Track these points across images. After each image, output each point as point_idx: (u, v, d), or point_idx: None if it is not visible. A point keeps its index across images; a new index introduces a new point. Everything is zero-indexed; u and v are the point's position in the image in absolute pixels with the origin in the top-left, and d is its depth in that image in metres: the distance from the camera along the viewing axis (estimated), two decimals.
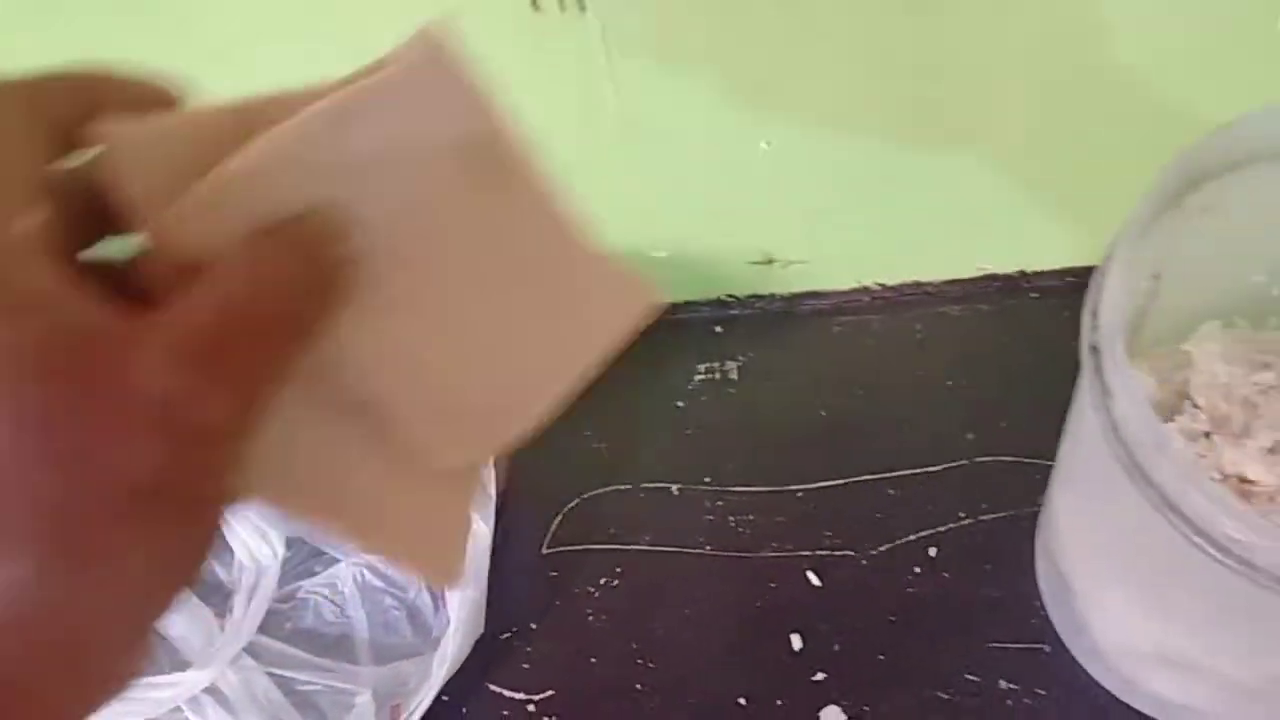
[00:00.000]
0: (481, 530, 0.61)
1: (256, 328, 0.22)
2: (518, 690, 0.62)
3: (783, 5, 0.51)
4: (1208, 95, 0.53)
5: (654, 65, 0.54)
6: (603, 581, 0.65)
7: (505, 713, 0.61)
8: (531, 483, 0.69)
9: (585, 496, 0.68)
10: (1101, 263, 0.43)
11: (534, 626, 0.64)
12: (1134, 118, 0.57)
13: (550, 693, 0.62)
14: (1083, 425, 0.48)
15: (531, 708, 0.61)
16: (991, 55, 0.55)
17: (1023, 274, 0.70)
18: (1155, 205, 0.43)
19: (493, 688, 0.62)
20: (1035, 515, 0.62)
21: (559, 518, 0.67)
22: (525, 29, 0.52)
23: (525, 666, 0.62)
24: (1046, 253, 0.69)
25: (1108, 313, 0.42)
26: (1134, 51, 0.54)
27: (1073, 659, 0.58)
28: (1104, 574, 0.51)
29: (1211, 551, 0.38)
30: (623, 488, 0.68)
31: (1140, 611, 0.49)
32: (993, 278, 0.70)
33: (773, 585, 0.64)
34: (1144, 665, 0.52)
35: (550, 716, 0.61)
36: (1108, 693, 0.57)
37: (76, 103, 0.23)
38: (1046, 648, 0.59)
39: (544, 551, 0.66)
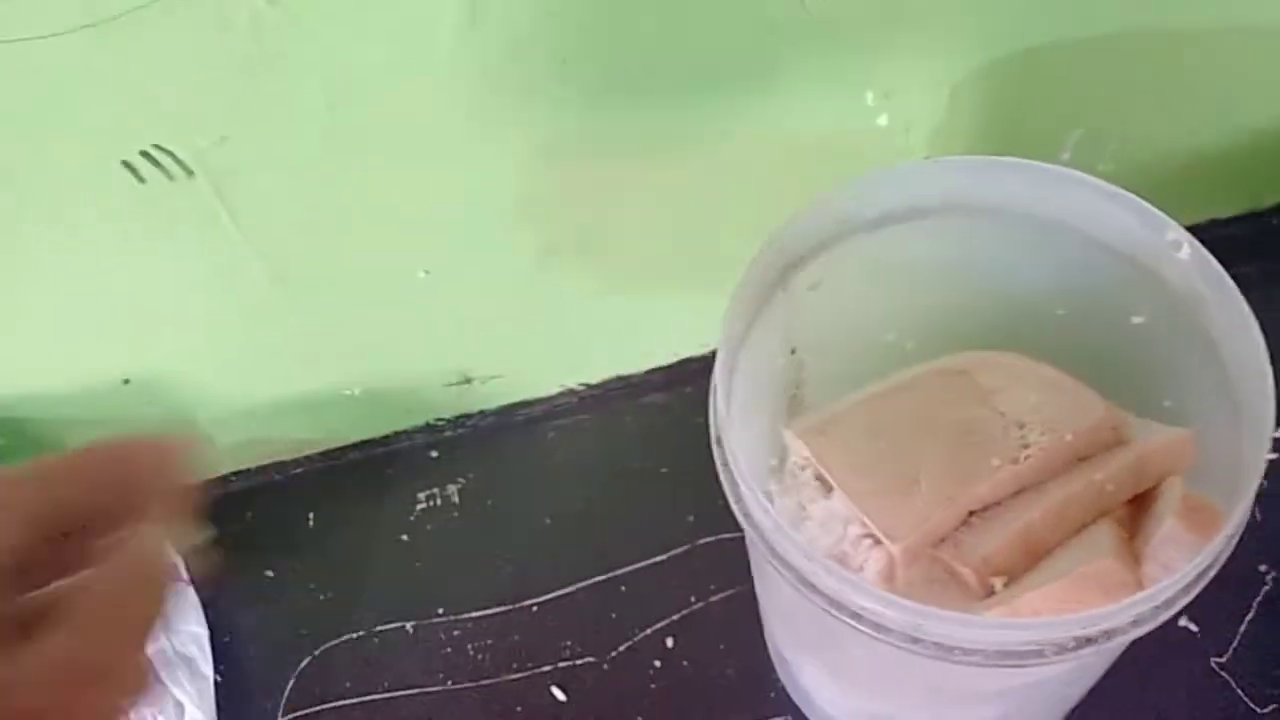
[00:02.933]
0: (198, 717, 0.58)
1: None
2: None
3: (403, 152, 0.52)
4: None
5: (285, 217, 0.54)
6: None
7: None
8: (257, 648, 0.66)
9: (317, 653, 0.65)
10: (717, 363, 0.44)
11: None
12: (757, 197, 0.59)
13: None
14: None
15: None
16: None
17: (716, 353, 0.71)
18: (755, 290, 0.45)
19: None
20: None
21: (292, 681, 0.65)
22: (139, 203, 0.51)
23: None
24: None
25: (725, 403, 0.43)
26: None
27: None
28: (795, 646, 0.52)
29: (850, 622, 0.39)
30: (355, 635, 0.66)
31: (831, 679, 0.50)
32: (689, 361, 0.71)
33: (519, 709, 0.62)
34: None
35: None
36: None
37: None
38: (787, 719, 0.60)
39: None
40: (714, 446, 0.44)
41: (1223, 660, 0.59)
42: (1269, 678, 0.58)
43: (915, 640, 0.39)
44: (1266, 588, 0.60)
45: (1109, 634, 0.38)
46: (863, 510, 0.46)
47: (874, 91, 0.56)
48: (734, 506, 0.43)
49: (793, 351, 0.52)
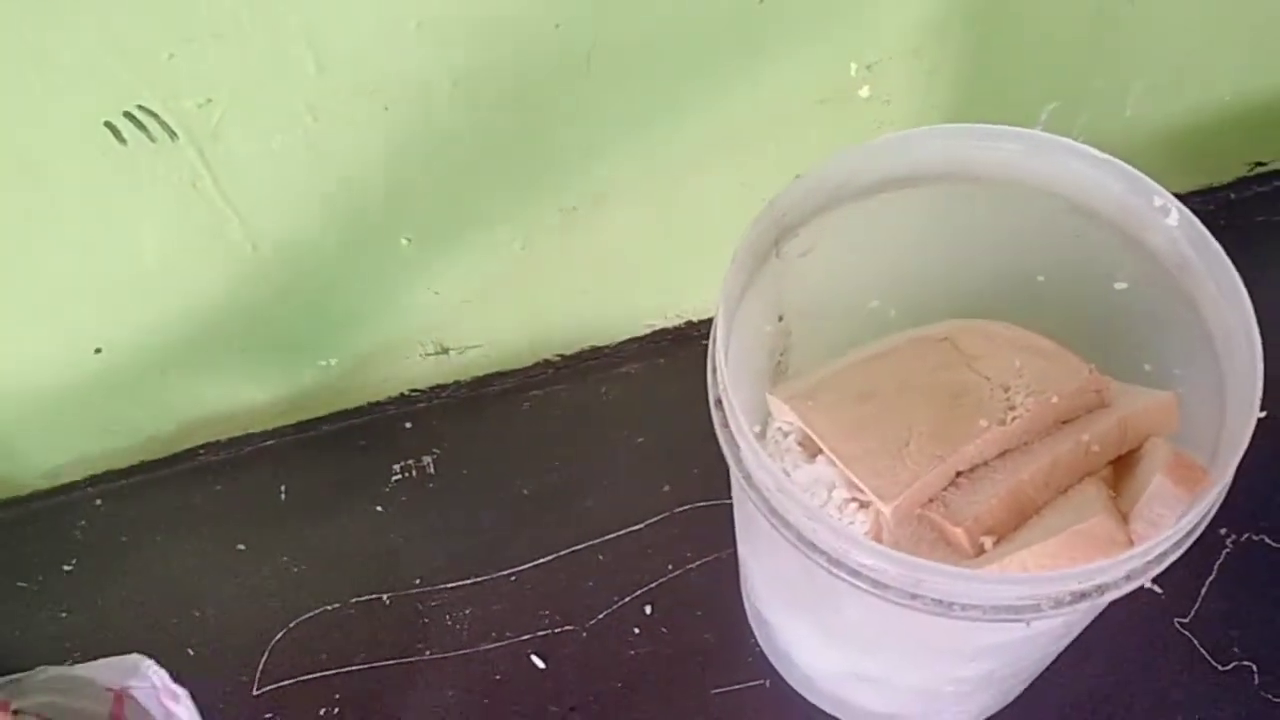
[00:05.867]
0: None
1: None
2: None
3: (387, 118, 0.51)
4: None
5: (268, 181, 0.53)
6: (323, 712, 0.62)
7: None
8: (231, 621, 0.65)
9: (292, 625, 0.65)
10: (713, 328, 0.44)
11: None
12: (740, 168, 0.60)
13: None
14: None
15: None
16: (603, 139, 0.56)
17: (689, 324, 0.72)
18: (751, 257, 0.45)
19: None
20: (735, 556, 0.64)
21: (266, 653, 0.64)
22: (122, 167, 0.50)
23: None
24: (705, 301, 0.72)
25: (725, 366, 0.43)
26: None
27: (790, 688, 0.60)
28: (783, 608, 0.53)
29: (849, 579, 0.40)
30: (331, 607, 0.65)
31: (819, 639, 0.51)
32: (662, 332, 0.72)
33: (498, 677, 0.63)
34: (846, 685, 0.54)
35: None
36: (826, 715, 0.59)
37: None
38: (766, 683, 0.61)
39: (255, 693, 0.63)
40: (713, 408, 0.44)
41: (1185, 621, 0.61)
42: (1229, 637, 0.60)
43: (914, 596, 0.39)
44: (1227, 550, 0.62)
45: (1102, 588, 0.39)
46: (852, 472, 0.47)
47: (856, 63, 0.56)
48: (734, 468, 0.43)
49: (780, 318, 0.52)
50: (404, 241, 0.59)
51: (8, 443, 0.65)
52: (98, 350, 0.60)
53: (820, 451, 0.50)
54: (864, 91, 0.58)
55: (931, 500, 0.47)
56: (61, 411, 0.63)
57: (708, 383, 0.45)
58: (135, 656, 0.57)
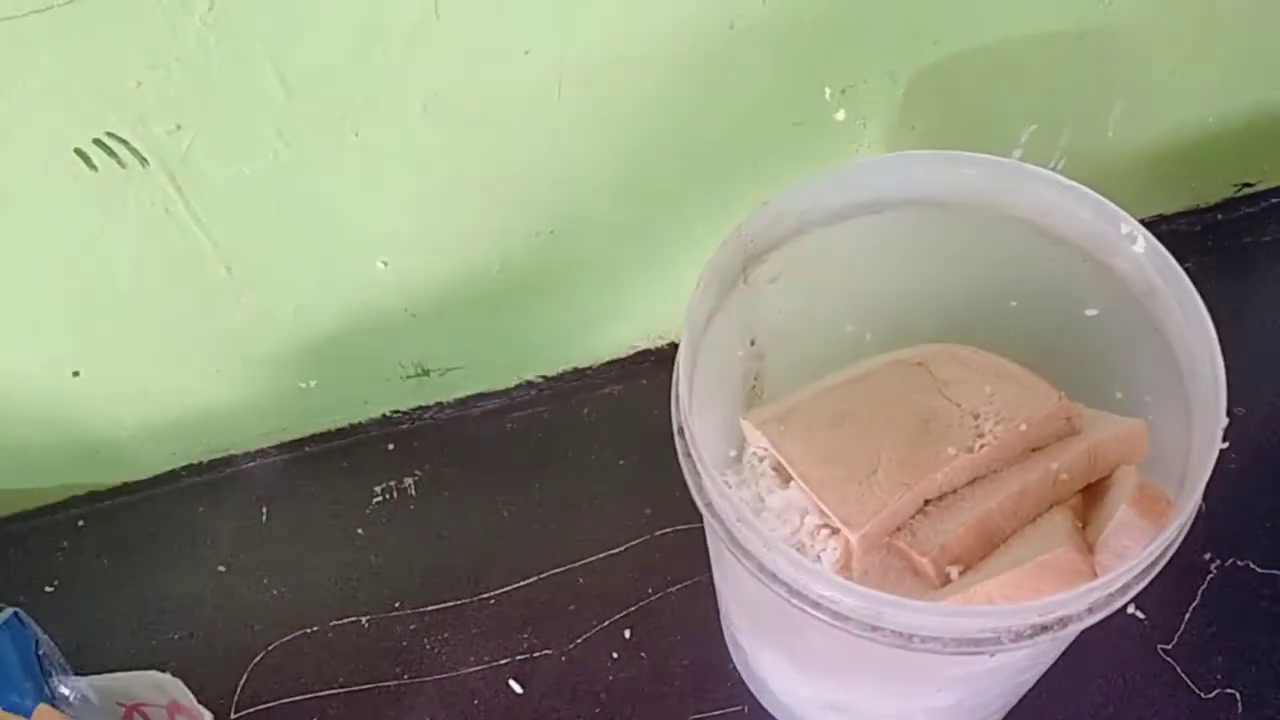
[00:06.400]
0: None
1: None
2: None
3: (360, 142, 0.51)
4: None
5: (241, 205, 0.53)
6: None
7: None
8: (209, 645, 0.65)
9: (271, 648, 0.65)
10: (678, 356, 0.44)
11: None
12: (717, 190, 0.60)
13: None
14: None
15: None
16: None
17: (672, 345, 0.72)
18: (718, 283, 0.45)
19: None
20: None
21: (244, 677, 0.64)
22: (93, 194, 0.50)
23: None
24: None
25: (687, 395, 0.43)
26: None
27: (767, 714, 0.59)
28: (755, 635, 0.52)
29: (810, 611, 0.40)
30: (310, 630, 0.65)
31: (789, 667, 0.50)
32: (645, 353, 0.72)
33: (476, 703, 0.62)
34: (818, 712, 0.54)
35: None
36: None
37: None
38: (744, 708, 0.60)
39: (233, 717, 0.63)
40: (676, 437, 0.44)
41: (1169, 647, 0.60)
42: (1212, 664, 0.60)
43: (874, 629, 0.39)
44: (1211, 576, 0.62)
45: (1064, 621, 0.38)
46: (820, 499, 0.47)
47: (831, 87, 0.56)
48: (695, 496, 0.43)
49: (752, 343, 0.52)
50: (380, 265, 0.59)
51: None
52: (75, 373, 0.60)
53: (788, 481, 0.50)
54: (840, 115, 0.58)
55: (899, 529, 0.46)
56: (42, 433, 0.63)
57: (671, 412, 0.45)
58: (156, 674, 0.57)
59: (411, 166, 0.54)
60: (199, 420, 0.67)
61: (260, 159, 0.51)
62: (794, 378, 0.54)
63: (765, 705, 0.59)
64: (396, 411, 0.71)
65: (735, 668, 0.61)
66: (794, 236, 0.48)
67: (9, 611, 0.54)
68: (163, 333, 0.59)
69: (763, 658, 0.53)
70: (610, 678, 0.62)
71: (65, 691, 0.54)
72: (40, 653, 0.54)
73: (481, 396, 0.71)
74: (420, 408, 0.71)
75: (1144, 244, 0.43)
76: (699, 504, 0.43)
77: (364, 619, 0.65)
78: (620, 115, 0.54)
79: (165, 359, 0.61)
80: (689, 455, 0.43)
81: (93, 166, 0.49)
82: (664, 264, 0.65)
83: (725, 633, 0.61)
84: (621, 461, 0.69)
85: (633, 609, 0.64)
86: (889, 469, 0.47)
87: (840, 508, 0.46)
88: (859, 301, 0.53)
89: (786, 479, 0.51)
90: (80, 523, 0.70)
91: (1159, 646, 0.60)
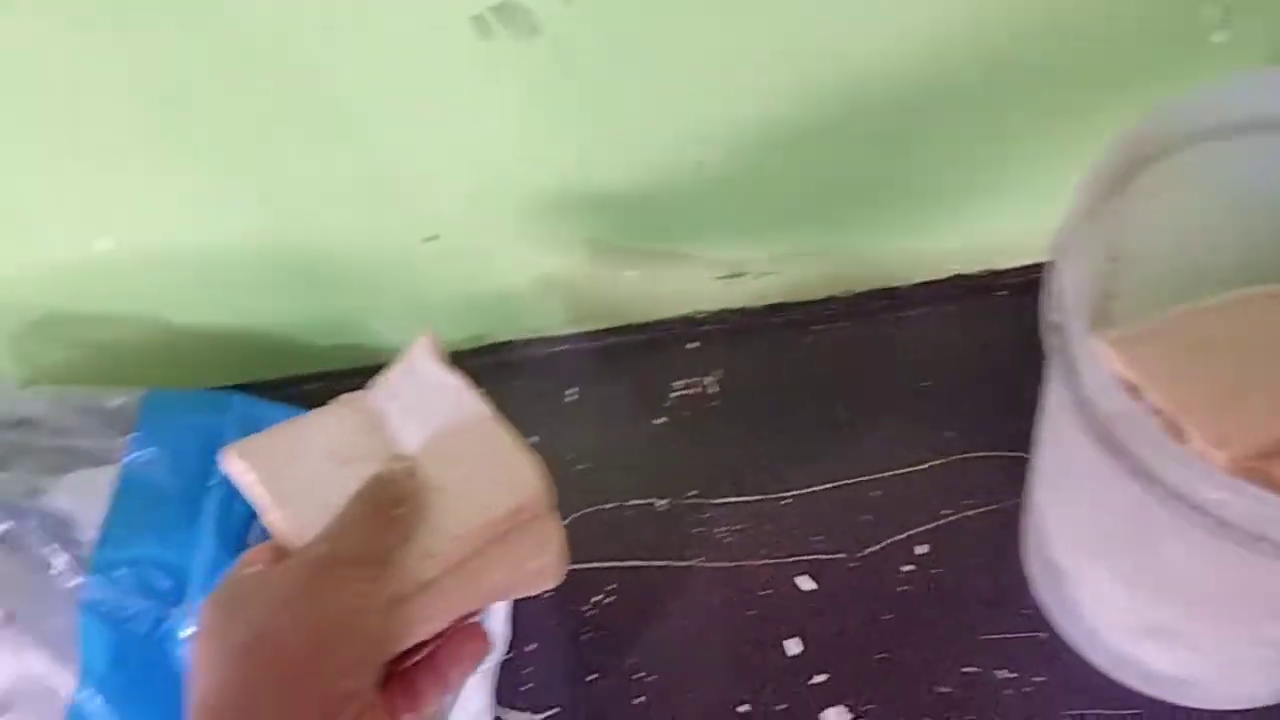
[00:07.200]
0: None
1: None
2: (523, 709, 0.62)
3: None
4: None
5: (612, 81, 0.55)
6: (596, 600, 0.65)
7: None
8: None
9: (572, 518, 0.68)
10: (1052, 251, 0.44)
11: (533, 647, 0.64)
12: (1075, 110, 0.58)
13: (555, 710, 0.62)
14: (1055, 407, 0.49)
15: None
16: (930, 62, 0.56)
17: (991, 273, 0.71)
18: (1096, 191, 0.45)
19: (497, 707, 0.62)
20: (1018, 507, 0.63)
21: None
22: (479, 58, 0.53)
23: (528, 686, 0.63)
24: (1014, 251, 0.70)
25: (1065, 292, 0.43)
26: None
27: (1067, 644, 0.59)
28: (1087, 553, 0.52)
29: (1188, 514, 0.39)
30: (608, 506, 0.68)
31: (1125, 586, 0.49)
32: (962, 278, 0.71)
33: (765, 593, 0.64)
34: (1136, 641, 0.53)
35: None
36: (1104, 674, 0.57)
37: None
38: (1041, 635, 0.60)
39: None
40: (1047, 335, 0.43)
41: None
42: None
43: (1260, 538, 0.38)
44: None
45: None
46: (1185, 419, 0.46)
47: (1214, 4, 0.54)
48: (1068, 394, 0.42)
49: (1113, 260, 0.51)
50: (698, 159, 0.60)
51: (360, 321, 0.71)
52: (432, 238, 0.64)
53: (1139, 400, 0.49)
54: (1218, 37, 0.55)
55: (1271, 455, 0.45)
56: (399, 293, 0.68)
57: (1040, 309, 0.44)
58: None
59: (789, 63, 0.55)
60: (524, 297, 0.71)
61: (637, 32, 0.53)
62: (1149, 301, 0.52)
63: (1065, 635, 0.58)
64: (702, 311, 0.73)
65: (1034, 597, 0.61)
66: (1177, 149, 0.47)
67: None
68: (516, 206, 0.63)
69: (1087, 578, 0.53)
70: (901, 589, 0.63)
71: None
72: None
73: (788, 306, 0.73)
74: (726, 310, 0.73)
75: None
76: (1065, 403, 0.43)
77: (659, 502, 0.68)
78: (992, 19, 0.54)
79: (513, 233, 0.65)
80: (1065, 350, 0.43)
81: (486, 34, 0.52)
82: (995, 189, 0.65)
83: (1030, 560, 0.60)
84: (926, 383, 0.69)
85: (928, 526, 0.64)
86: (1259, 395, 0.46)
87: (1209, 427, 0.45)
88: (1232, 228, 0.51)
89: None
90: None
91: None
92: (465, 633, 0.43)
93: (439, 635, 0.42)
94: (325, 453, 0.46)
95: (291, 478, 0.45)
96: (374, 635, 0.39)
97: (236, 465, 0.46)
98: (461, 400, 0.48)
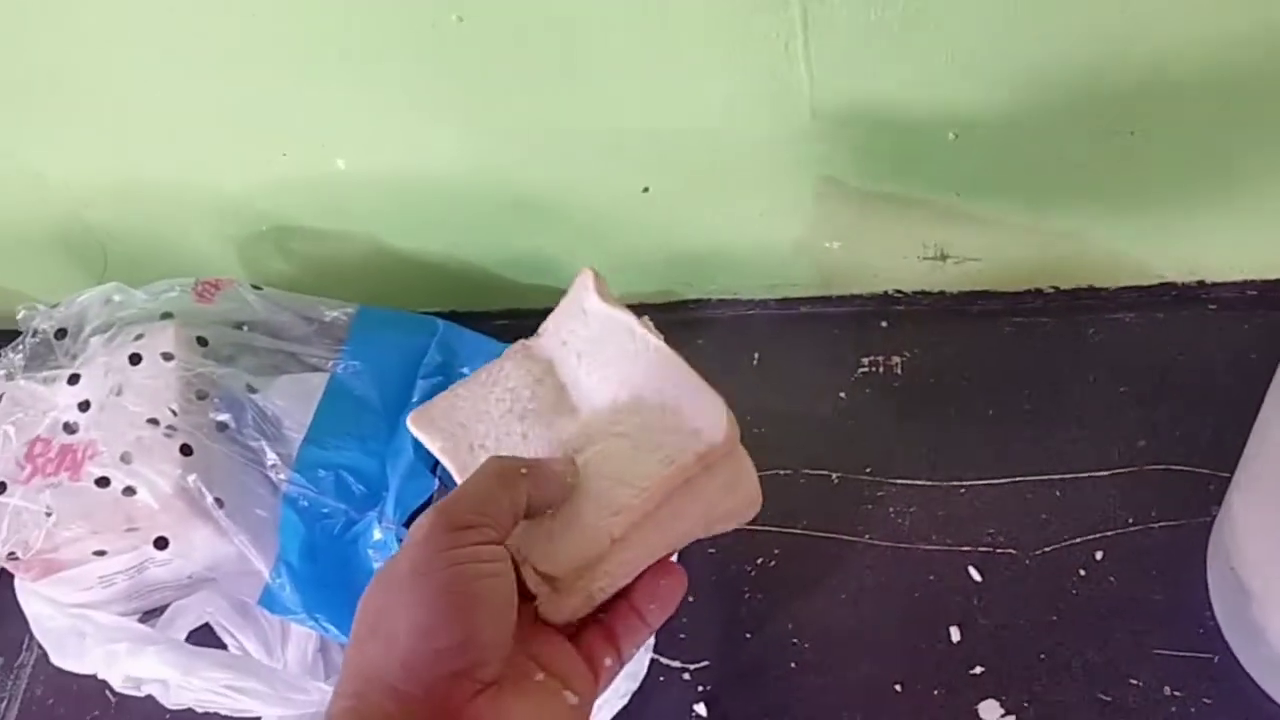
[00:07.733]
0: None
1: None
2: (674, 658, 0.63)
3: None
4: None
5: (850, 49, 0.55)
6: (760, 561, 0.66)
7: (661, 678, 0.63)
8: None
9: None
10: None
11: (690, 599, 0.65)
12: None
13: (705, 663, 0.63)
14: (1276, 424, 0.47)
15: (686, 676, 0.63)
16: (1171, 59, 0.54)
17: (1201, 284, 0.69)
18: None
19: (650, 653, 0.63)
20: (1207, 526, 0.61)
21: None
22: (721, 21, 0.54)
23: (682, 636, 0.64)
24: (1226, 267, 0.68)
25: None
26: None
27: (1242, 670, 0.57)
28: None
29: None
30: (783, 473, 0.69)
31: None
32: (1170, 286, 0.69)
33: (932, 577, 0.64)
34: None
35: (704, 685, 0.63)
36: (1277, 704, 0.55)
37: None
38: (1215, 658, 0.58)
39: None
40: None
41: None
42: None
43: None
44: None
45: None
46: None
47: None
48: None
49: None
50: (950, 136, 0.60)
51: (561, 263, 0.73)
52: (645, 190, 0.66)
53: None
54: None
55: None
56: (605, 240, 0.71)
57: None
58: None
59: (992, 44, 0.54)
60: (721, 256, 0.72)
61: (890, 7, 0.53)
62: None
63: (1244, 660, 0.57)
64: (899, 291, 0.73)
65: (1212, 617, 0.59)
66: None
67: None
68: (725, 163, 0.64)
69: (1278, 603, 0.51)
70: (1073, 592, 0.62)
71: None
72: None
73: (987, 294, 0.72)
74: (923, 292, 0.73)
75: None
76: None
77: (834, 474, 0.68)
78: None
79: (722, 192, 0.66)
80: None
81: None
82: (1225, 197, 0.63)
83: (1214, 580, 0.59)
84: (1122, 389, 0.68)
85: (1109, 533, 0.63)
86: None
87: None
88: None
89: None
90: None
91: None
92: (659, 570, 0.43)
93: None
94: (503, 410, 0.46)
95: (470, 442, 0.45)
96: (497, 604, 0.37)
97: (421, 433, 0.47)
98: (635, 338, 0.45)
